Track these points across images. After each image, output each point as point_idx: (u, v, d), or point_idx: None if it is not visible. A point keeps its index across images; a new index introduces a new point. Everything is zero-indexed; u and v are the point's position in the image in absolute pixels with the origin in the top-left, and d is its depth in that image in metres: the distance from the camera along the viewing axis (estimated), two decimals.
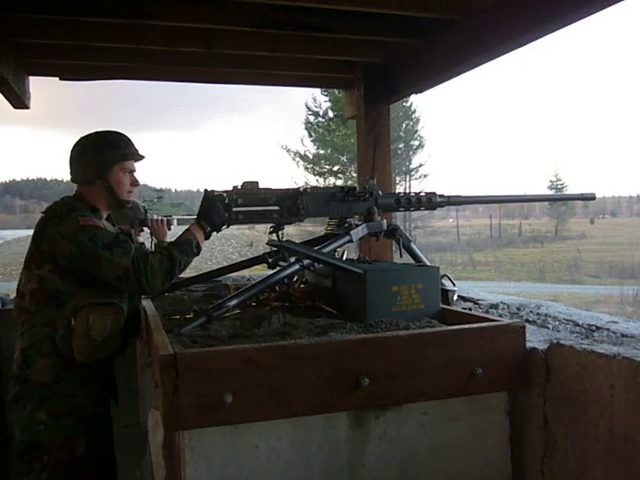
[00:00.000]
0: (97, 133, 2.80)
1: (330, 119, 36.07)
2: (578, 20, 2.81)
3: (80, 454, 2.62)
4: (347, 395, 1.94)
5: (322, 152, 36.52)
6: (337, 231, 2.85)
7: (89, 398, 2.67)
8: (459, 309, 2.65)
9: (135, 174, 2.83)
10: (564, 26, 2.90)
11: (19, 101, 4.47)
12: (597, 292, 23.50)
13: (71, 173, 2.79)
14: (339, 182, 34.62)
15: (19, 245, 40.41)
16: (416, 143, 39.16)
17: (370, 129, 4.59)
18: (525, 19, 2.97)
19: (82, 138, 2.78)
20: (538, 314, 2.83)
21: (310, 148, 36.73)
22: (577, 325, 2.55)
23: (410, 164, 39.30)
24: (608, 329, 2.41)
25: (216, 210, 2.59)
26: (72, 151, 2.77)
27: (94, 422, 2.68)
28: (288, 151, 36.68)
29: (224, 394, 1.80)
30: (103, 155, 2.71)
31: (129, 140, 2.81)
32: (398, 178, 38.43)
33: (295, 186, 2.88)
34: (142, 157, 2.84)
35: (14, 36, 3.74)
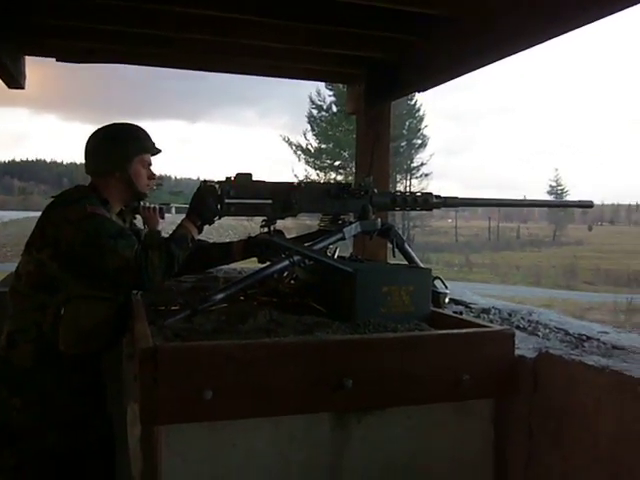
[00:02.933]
0: (116, 125, 2.78)
1: (333, 114, 36.10)
2: (582, 25, 2.77)
3: (51, 445, 2.58)
4: (329, 396, 1.91)
5: (324, 146, 36.58)
6: (330, 228, 2.81)
7: (64, 389, 2.63)
8: (449, 313, 2.62)
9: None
10: (569, 30, 2.86)
11: (13, 81, 4.41)
12: (592, 299, 23.58)
13: (87, 165, 2.75)
14: (340, 177, 34.70)
15: (16, 226, 40.33)
16: (419, 141, 39.18)
17: (370, 126, 4.54)
18: (531, 21, 2.92)
19: (101, 129, 2.75)
20: (529, 321, 2.79)
21: (312, 142, 36.77)
22: (568, 334, 2.52)
23: (412, 162, 39.32)
24: (599, 339, 2.38)
25: (206, 204, 2.56)
26: (89, 142, 2.73)
27: (68, 415, 2.64)
28: (290, 144, 36.71)
29: (204, 390, 1.77)
30: (123, 147, 2.68)
31: (147, 133, 2.78)
32: (399, 176, 38.44)
33: (292, 180, 2.84)
34: (159, 150, 2.82)
35: (11, 14, 3.68)
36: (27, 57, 4.61)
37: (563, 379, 1.96)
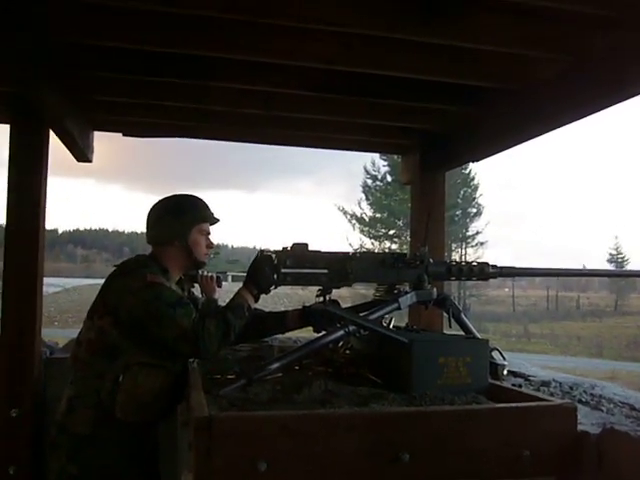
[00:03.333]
0: (176, 196, 2.86)
1: (388, 183, 36.36)
2: (637, 95, 2.77)
3: None
4: (386, 470, 1.87)
5: (378, 215, 36.73)
6: (385, 297, 2.80)
7: (123, 458, 2.63)
8: (508, 385, 2.56)
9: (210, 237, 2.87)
10: (621, 101, 2.87)
11: (82, 155, 4.60)
12: None
13: (148, 234, 2.83)
14: (394, 246, 34.64)
15: (77, 293, 41.17)
16: (474, 210, 39.02)
17: (424, 195, 4.57)
18: (584, 92, 2.94)
19: (162, 200, 2.83)
20: (592, 394, 2.72)
21: (367, 211, 36.97)
22: (633, 409, 2.44)
23: (467, 231, 39.09)
24: None
25: (263, 274, 2.58)
26: (151, 213, 2.82)
27: None
28: (345, 213, 36.96)
29: (258, 461, 1.75)
30: (183, 217, 2.76)
31: (206, 203, 2.87)
32: (454, 245, 38.20)
33: (348, 249, 2.85)
34: (218, 220, 2.89)
35: (81, 93, 3.88)
36: (95, 132, 4.80)
37: (629, 456, 1.89)
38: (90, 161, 4.80)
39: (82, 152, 4.52)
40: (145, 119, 4.46)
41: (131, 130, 4.72)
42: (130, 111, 4.28)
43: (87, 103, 4.13)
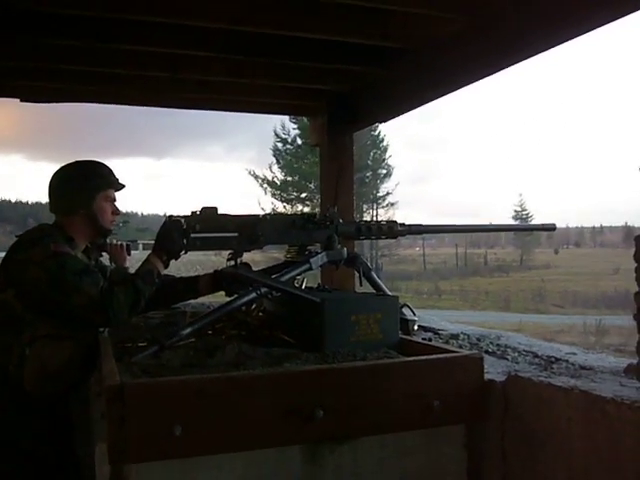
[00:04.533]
0: (79, 162, 2.77)
1: (298, 146, 36.26)
2: (536, 53, 2.85)
3: None
4: (301, 428, 1.90)
5: (290, 179, 36.69)
6: (297, 259, 2.81)
7: (33, 432, 2.57)
8: (418, 339, 2.63)
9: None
10: (519, 61, 2.94)
11: None
12: (561, 322, 23.74)
13: (51, 203, 2.74)
14: (306, 209, 34.73)
15: None
16: (384, 171, 39.47)
17: (333, 157, 4.59)
18: (482, 52, 3.00)
19: (63, 167, 2.74)
20: (498, 345, 2.81)
21: (278, 175, 36.88)
22: (536, 356, 2.54)
23: (377, 192, 39.55)
24: (567, 361, 2.40)
25: (172, 239, 2.54)
26: (52, 181, 2.72)
27: (36, 457, 2.58)
28: (256, 177, 36.77)
29: (173, 426, 1.75)
30: (87, 184, 2.67)
31: (110, 169, 2.79)
32: (365, 206, 38.62)
33: (259, 213, 2.84)
34: (123, 186, 2.82)
35: None
36: None
37: (533, 401, 1.97)
38: None
39: None
40: (45, 83, 4.27)
41: (29, 96, 4.52)
42: (28, 75, 4.09)
43: None
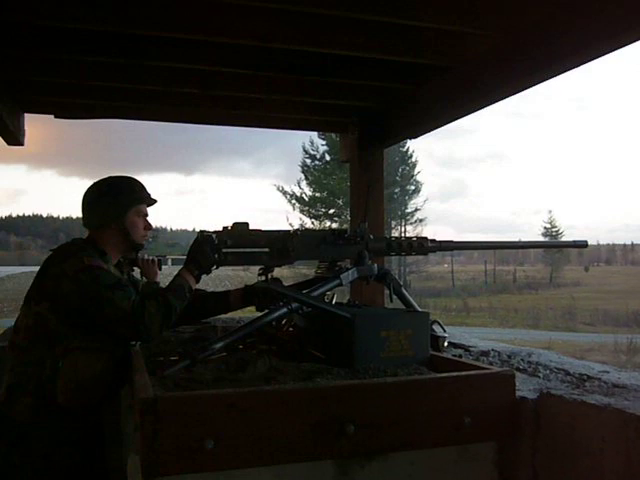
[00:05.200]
0: (112, 178, 2.81)
1: (327, 162, 36.36)
2: (569, 69, 2.84)
3: None
4: (332, 443, 1.90)
5: (318, 195, 36.76)
6: (327, 274, 2.82)
7: (66, 444, 2.59)
8: (449, 356, 2.62)
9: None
10: (556, 75, 2.93)
11: (13, 138, 4.48)
12: (591, 340, 23.44)
13: (84, 218, 2.78)
14: (334, 225, 34.77)
15: (12, 282, 40.20)
16: (412, 188, 39.42)
17: (363, 173, 4.60)
18: (517, 67, 2.99)
19: (96, 183, 2.78)
20: (529, 362, 2.79)
21: (306, 191, 36.98)
22: (568, 374, 2.52)
23: (406, 208, 39.49)
24: (599, 379, 2.37)
25: (204, 254, 2.57)
26: (86, 196, 2.77)
27: (69, 470, 2.61)
28: (284, 193, 36.90)
29: (205, 440, 1.76)
30: (119, 199, 2.71)
31: (142, 184, 2.82)
32: (394, 222, 38.56)
33: (288, 228, 2.86)
34: (155, 201, 2.85)
35: (10, 72, 3.76)
36: (26, 114, 4.67)
37: (566, 419, 1.95)
38: (22, 144, 4.68)
39: (12, 135, 4.40)
40: (77, 100, 4.35)
41: (63, 112, 4.60)
42: (62, 92, 4.17)
43: (16, 83, 4.00)
